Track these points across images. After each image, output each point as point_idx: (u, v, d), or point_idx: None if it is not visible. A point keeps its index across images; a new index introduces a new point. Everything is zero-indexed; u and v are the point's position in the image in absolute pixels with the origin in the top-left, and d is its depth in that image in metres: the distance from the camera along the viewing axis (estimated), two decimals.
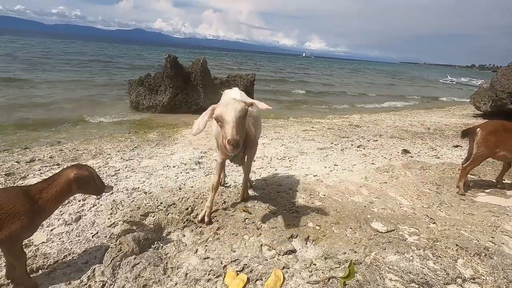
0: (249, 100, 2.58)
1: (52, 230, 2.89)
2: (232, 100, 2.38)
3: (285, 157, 5.82)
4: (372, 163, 5.56)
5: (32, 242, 2.64)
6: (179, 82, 10.92)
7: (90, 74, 21.54)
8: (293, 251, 2.43)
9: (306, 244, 2.57)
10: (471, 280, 2.23)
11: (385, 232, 2.79)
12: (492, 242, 2.75)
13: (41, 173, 4.57)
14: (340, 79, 38.05)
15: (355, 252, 2.42)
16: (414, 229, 2.88)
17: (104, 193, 2.79)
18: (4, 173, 4.45)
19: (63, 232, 2.84)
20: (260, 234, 2.62)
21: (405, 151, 6.47)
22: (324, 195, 3.63)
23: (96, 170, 4.74)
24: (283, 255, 2.36)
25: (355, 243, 2.54)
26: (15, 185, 4.03)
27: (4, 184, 4.09)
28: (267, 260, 2.30)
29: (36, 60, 27.97)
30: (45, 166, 4.87)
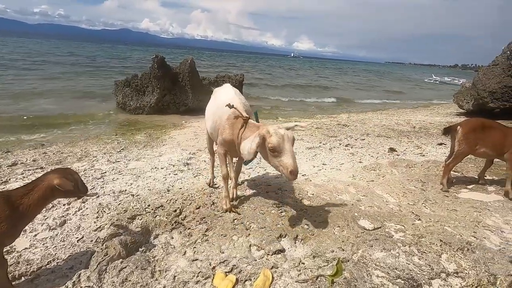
0: (289, 124, 2.60)
1: (35, 235, 2.82)
2: (281, 128, 2.42)
3: None
4: (360, 162, 5.65)
5: (15, 249, 2.56)
6: (167, 82, 10.79)
7: (74, 75, 21.05)
8: (282, 251, 2.44)
9: (295, 243, 2.59)
10: (455, 275, 2.29)
11: (372, 230, 2.83)
12: (475, 237, 2.83)
13: (23, 177, 4.44)
14: (328, 79, 38.45)
15: (343, 250, 2.46)
16: (400, 226, 2.94)
17: (88, 197, 2.73)
18: None
19: (47, 238, 2.77)
20: (249, 235, 2.62)
21: (392, 150, 6.60)
22: (313, 194, 3.67)
23: (82, 173, 4.67)
24: (272, 254, 2.37)
25: (342, 241, 2.58)
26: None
27: None
28: (256, 260, 2.31)
29: (18, 60, 27.15)
30: (28, 170, 4.74)
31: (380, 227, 2.88)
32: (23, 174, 4.57)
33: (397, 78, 52.99)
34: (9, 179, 4.33)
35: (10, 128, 8.50)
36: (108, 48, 71.49)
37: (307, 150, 6.41)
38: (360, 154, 6.31)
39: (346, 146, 7.02)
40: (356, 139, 7.76)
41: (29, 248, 2.62)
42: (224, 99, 3.02)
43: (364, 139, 7.76)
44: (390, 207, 3.45)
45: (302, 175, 4.68)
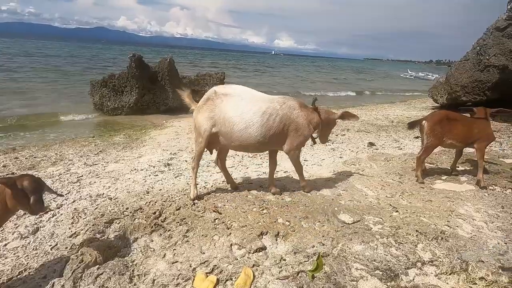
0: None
1: (5, 245, 2.69)
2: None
3: (256, 155, 5.83)
4: (340, 157, 5.75)
5: None
6: (146, 82, 10.54)
7: (47, 74, 20.18)
8: (263, 249, 2.44)
9: (276, 240, 2.59)
10: (430, 263, 2.38)
11: (351, 223, 2.89)
12: (448, 226, 2.95)
13: None
14: (308, 75, 38.86)
15: (323, 244, 2.49)
16: (379, 218, 3.01)
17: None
18: None
19: (18, 247, 2.64)
20: (230, 234, 2.60)
21: (371, 144, 6.76)
22: (294, 191, 3.69)
23: (57, 177, 4.49)
24: (253, 253, 2.37)
25: (323, 236, 2.61)
26: None
27: None
28: (237, 259, 2.30)
29: None
30: None
31: (359, 220, 2.94)
32: None
33: (375, 74, 54.36)
34: None
35: None
36: (82, 47, 68.90)
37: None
38: (340, 149, 6.42)
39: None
40: (336, 135, 7.89)
41: None
42: (260, 96, 3.22)
43: (344, 135, 7.90)
44: (369, 201, 3.53)
45: (284, 172, 4.71)
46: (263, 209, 3.09)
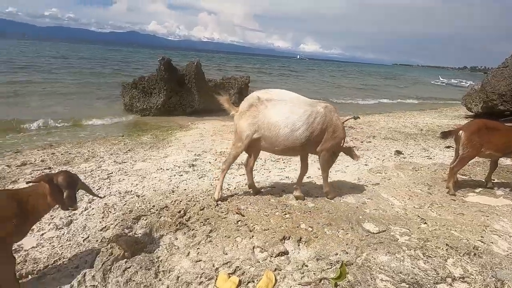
0: None
1: (42, 234, 2.86)
2: None
3: (279, 159, 5.83)
4: (365, 164, 5.61)
5: (22, 247, 2.61)
6: (173, 84, 10.87)
7: (82, 76, 21.36)
8: (285, 253, 2.44)
9: (299, 245, 2.58)
10: (461, 279, 2.26)
11: (376, 233, 2.81)
12: (482, 242, 2.79)
13: (32, 176, 4.51)
14: (334, 80, 38.29)
15: (347, 253, 2.44)
16: (405, 229, 2.91)
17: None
18: None
19: (53, 237, 2.81)
20: (253, 236, 2.62)
21: (398, 152, 6.54)
22: (317, 197, 3.65)
23: (89, 173, 4.73)
24: (275, 257, 2.37)
25: (346, 244, 2.56)
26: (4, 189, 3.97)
27: None
28: (259, 262, 2.31)
29: (27, 62, 27.64)
30: (37, 170, 4.83)
31: (385, 230, 2.85)
32: (31, 174, 4.65)
33: (404, 80, 52.50)
34: (18, 179, 4.41)
35: (18, 128, 8.63)
36: (116, 51, 72.39)
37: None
38: (366, 156, 6.26)
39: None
40: (362, 142, 7.71)
41: (36, 247, 2.66)
42: (303, 99, 3.33)
43: (370, 142, 7.70)
44: (395, 210, 3.42)
45: (307, 177, 4.67)
46: (285, 214, 3.09)
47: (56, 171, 2.16)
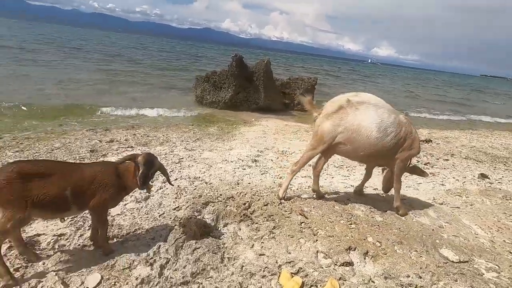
0: None
1: (125, 204, 3.22)
2: None
3: (342, 165, 5.61)
4: (442, 184, 5.05)
5: (110, 213, 2.97)
6: (242, 80, 11.24)
7: (161, 67, 23.47)
8: (350, 264, 2.33)
9: (365, 259, 2.44)
10: None
11: (456, 262, 2.51)
12: None
13: (118, 153, 5.12)
14: (410, 89, 35.22)
15: (420, 277, 2.23)
16: (493, 264, 2.54)
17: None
18: (89, 149, 5.10)
19: (134, 208, 3.15)
20: (317, 241, 2.57)
21: (483, 176, 5.74)
22: (386, 211, 3.41)
23: (163, 156, 5.18)
24: (340, 265, 2.29)
25: (420, 268, 2.34)
26: (102, 160, 4.57)
27: (89, 159, 4.70)
28: (322, 267, 2.25)
29: (117, 52, 31.47)
30: (122, 147, 5.46)
31: (467, 261, 2.53)
32: (117, 150, 5.28)
33: (495, 95, 45.65)
34: (107, 153, 5.05)
35: (109, 108, 9.88)
36: (192, 46, 77.93)
37: None
38: (442, 175, 5.65)
39: (425, 164, 6.36)
40: (438, 159, 6.97)
41: (120, 214, 3.01)
42: (389, 106, 3.28)
43: (448, 160, 6.92)
44: (480, 241, 3.00)
45: (374, 189, 4.40)
46: (351, 223, 2.95)
47: (141, 152, 2.38)
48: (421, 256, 2.52)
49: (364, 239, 2.68)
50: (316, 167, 3.52)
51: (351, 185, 4.46)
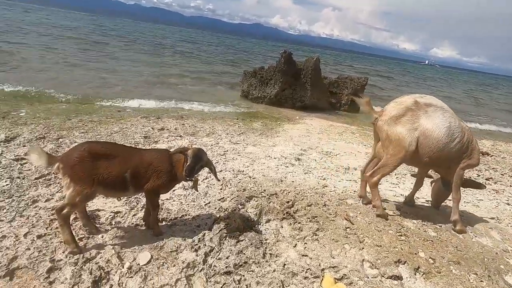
0: None
1: (174, 190, 3.38)
2: None
3: (392, 173, 5.29)
4: (508, 204, 4.52)
5: (160, 197, 3.15)
6: (289, 77, 11.14)
7: (211, 62, 24.23)
8: (399, 278, 2.19)
9: (415, 274, 2.27)
10: None
11: None
12: None
13: (168, 140, 5.40)
14: (473, 94, 32.00)
15: None
16: None
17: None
18: (143, 135, 5.45)
19: (182, 195, 3.29)
20: (363, 249, 2.45)
21: None
22: (440, 226, 3.14)
23: (209, 147, 5.35)
24: (388, 278, 2.16)
25: None
26: (154, 147, 4.86)
27: (143, 144, 5.02)
28: (368, 277, 2.14)
29: (172, 45, 33.15)
30: (171, 136, 5.74)
31: None
32: (168, 138, 5.57)
33: None
34: (158, 140, 5.35)
35: (161, 99, 10.47)
36: (241, 41, 79.25)
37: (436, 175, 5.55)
38: (508, 193, 5.05)
39: (487, 179, 5.74)
40: (502, 174, 6.26)
41: (169, 199, 3.17)
42: (452, 111, 3.14)
43: None
44: None
45: (426, 200, 4.08)
46: (401, 235, 2.77)
47: (192, 145, 2.46)
48: (481, 281, 2.27)
49: (415, 254, 2.50)
50: (366, 172, 3.35)
51: (401, 194, 4.19)
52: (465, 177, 3.33)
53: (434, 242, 2.73)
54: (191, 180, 2.38)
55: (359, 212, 3.10)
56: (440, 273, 2.30)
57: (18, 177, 3.16)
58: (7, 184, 2.97)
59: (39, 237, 2.26)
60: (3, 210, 2.56)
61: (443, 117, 2.92)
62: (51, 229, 2.36)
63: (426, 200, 4.08)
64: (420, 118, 2.90)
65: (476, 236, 3.06)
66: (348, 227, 2.77)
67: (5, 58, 12.87)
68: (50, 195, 2.91)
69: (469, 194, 4.69)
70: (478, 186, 3.40)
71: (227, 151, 5.28)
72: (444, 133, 2.88)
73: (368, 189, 3.33)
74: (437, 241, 2.78)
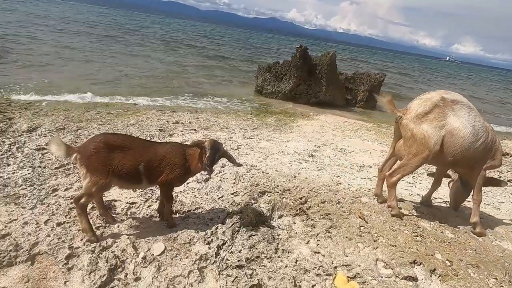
0: None
1: (187, 183, 3.42)
2: None
3: None
4: None
5: (174, 189, 3.19)
6: (304, 73, 11.00)
7: (225, 56, 24.24)
8: (414, 279, 2.14)
9: (431, 276, 2.22)
10: None
11: None
12: None
13: (183, 134, 5.46)
14: (497, 94, 30.72)
15: None
16: None
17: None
18: (158, 128, 5.52)
19: (195, 188, 3.32)
20: (377, 248, 2.41)
21: None
22: (458, 228, 3.05)
23: (222, 141, 5.37)
24: (402, 279, 2.11)
25: None
26: (169, 141, 4.93)
27: (158, 137, 5.09)
28: (381, 277, 2.11)
29: (186, 39, 33.34)
30: (186, 129, 5.80)
31: None
32: (182, 131, 5.63)
33: None
34: (173, 134, 5.41)
35: (175, 93, 10.58)
36: (256, 35, 78.87)
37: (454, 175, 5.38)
38: None
39: (509, 181, 5.51)
40: None
41: (183, 192, 3.20)
42: (476, 110, 3.07)
43: None
44: None
45: (444, 202, 3.97)
46: (416, 236, 2.70)
47: (207, 138, 2.47)
48: (501, 286, 2.19)
49: (432, 255, 2.43)
50: (383, 170, 3.28)
51: (418, 194, 4.08)
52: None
53: (451, 244, 2.65)
54: (212, 170, 2.39)
55: (373, 211, 3.05)
56: (457, 276, 2.23)
57: (39, 166, 3.28)
58: (29, 173, 3.09)
59: (58, 224, 2.34)
60: (25, 197, 2.66)
61: (469, 116, 2.84)
62: (69, 218, 2.44)
63: (444, 201, 3.97)
64: (447, 115, 2.80)
65: (496, 240, 2.95)
66: (362, 226, 2.73)
67: (22, 52, 13.26)
68: (69, 185, 3.00)
69: (490, 196, 4.53)
70: (498, 183, 3.31)
71: (241, 145, 5.28)
72: (470, 132, 2.79)
73: (384, 187, 3.25)
74: (455, 243, 2.70)
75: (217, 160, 2.38)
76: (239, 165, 2.63)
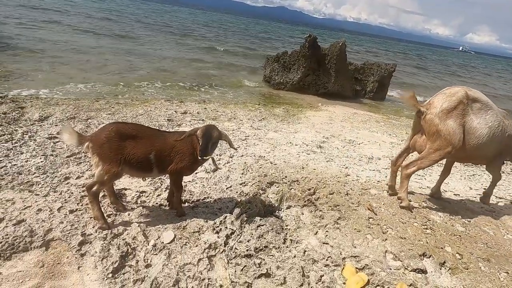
0: None
1: (196, 173, 3.44)
2: None
3: None
4: None
5: (183, 178, 3.22)
6: (313, 63, 10.84)
7: (233, 45, 24.03)
8: (423, 271, 2.13)
9: (441, 269, 2.21)
10: None
11: None
12: None
13: (191, 124, 5.47)
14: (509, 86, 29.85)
15: None
16: None
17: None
18: (167, 118, 5.55)
19: (204, 178, 3.34)
20: (386, 240, 2.40)
21: None
22: (469, 221, 3.01)
23: (230, 132, 5.36)
24: (411, 271, 2.11)
25: None
26: (177, 130, 4.95)
27: (166, 127, 5.11)
28: (390, 269, 2.10)
29: (193, 28, 33.10)
30: (194, 120, 5.80)
31: None
32: (190, 121, 5.64)
33: None
34: (181, 124, 5.42)
35: (184, 82, 10.58)
36: (264, 25, 77.91)
37: (465, 168, 5.29)
38: None
39: None
40: None
41: (192, 182, 3.23)
42: (496, 107, 3.02)
43: None
44: None
45: (455, 194, 3.92)
46: (426, 228, 2.68)
47: (202, 125, 2.42)
48: None
49: (441, 248, 2.41)
50: (396, 162, 3.23)
51: (427, 187, 4.03)
52: None
53: (462, 237, 2.63)
54: (204, 159, 2.28)
55: (382, 203, 3.03)
56: (467, 269, 2.22)
57: (52, 155, 3.33)
58: (41, 161, 3.14)
59: (71, 211, 2.39)
60: (38, 185, 2.72)
61: (486, 115, 2.81)
62: (81, 205, 2.49)
63: (454, 194, 3.92)
64: (468, 113, 2.76)
65: (508, 234, 2.91)
66: (371, 217, 2.71)
67: (36, 42, 13.36)
68: (81, 173, 3.05)
69: (501, 190, 4.45)
70: None
71: (249, 136, 5.27)
72: (486, 134, 2.77)
73: (397, 180, 3.23)
74: (466, 236, 2.67)
75: (214, 147, 2.32)
76: (234, 148, 2.64)
